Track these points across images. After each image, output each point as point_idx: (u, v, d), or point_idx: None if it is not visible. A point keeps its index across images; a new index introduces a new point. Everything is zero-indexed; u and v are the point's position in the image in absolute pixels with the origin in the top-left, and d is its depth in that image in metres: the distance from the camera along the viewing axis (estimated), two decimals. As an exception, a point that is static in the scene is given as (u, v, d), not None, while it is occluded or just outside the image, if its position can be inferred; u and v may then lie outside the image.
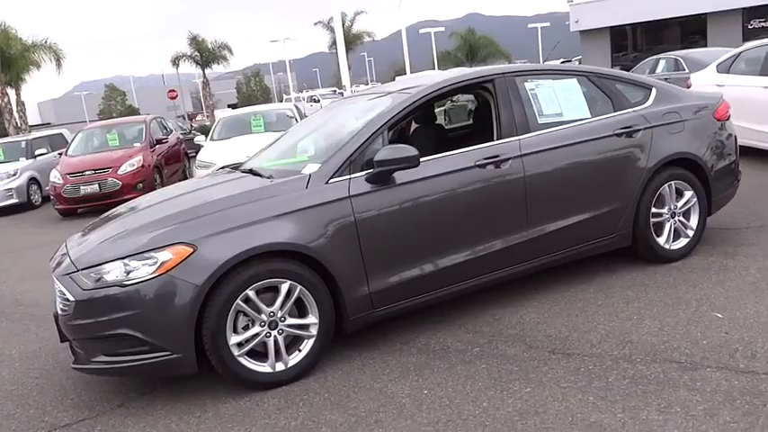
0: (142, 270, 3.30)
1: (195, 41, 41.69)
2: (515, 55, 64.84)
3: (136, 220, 3.72)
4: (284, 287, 3.48)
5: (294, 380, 3.57)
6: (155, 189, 11.77)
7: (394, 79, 45.91)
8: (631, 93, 4.78)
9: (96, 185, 11.31)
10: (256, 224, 3.46)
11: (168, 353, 3.33)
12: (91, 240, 3.72)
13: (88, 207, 11.43)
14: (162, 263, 3.29)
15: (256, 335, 3.47)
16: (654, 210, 4.65)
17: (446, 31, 62.92)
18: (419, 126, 5.34)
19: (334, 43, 56.90)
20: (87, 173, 11.43)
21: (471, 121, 5.53)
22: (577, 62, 35.16)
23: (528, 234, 4.17)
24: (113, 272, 3.34)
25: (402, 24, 38.39)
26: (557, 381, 3.25)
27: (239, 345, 3.43)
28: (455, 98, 5.94)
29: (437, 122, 5.60)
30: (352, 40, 50.16)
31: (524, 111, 4.27)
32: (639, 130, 4.56)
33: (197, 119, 46.63)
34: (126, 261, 3.34)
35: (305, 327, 3.59)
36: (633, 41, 33.02)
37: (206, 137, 11.99)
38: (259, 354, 3.52)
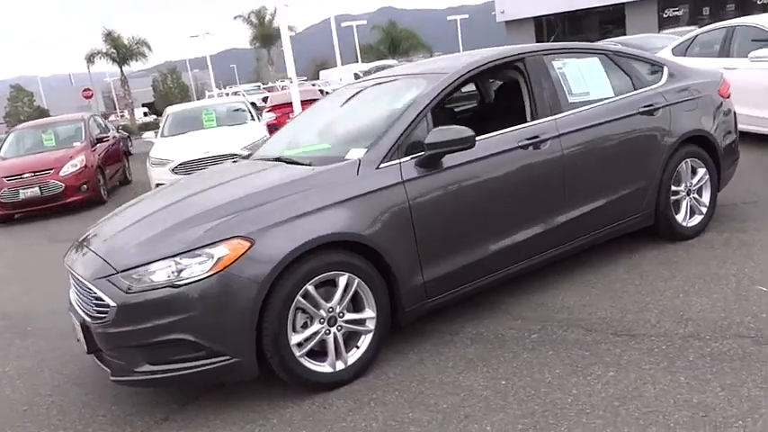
0: (196, 268, 2.99)
1: (111, 38, 39.85)
2: (436, 48, 65.51)
3: (173, 215, 3.38)
4: (342, 280, 3.24)
5: (354, 378, 3.34)
6: (99, 190, 11.12)
7: (317, 75, 45.37)
8: (647, 71, 4.79)
9: (37, 188, 10.48)
10: (312, 214, 3.20)
11: (227, 357, 3.04)
12: (123, 239, 3.36)
13: (27, 212, 10.60)
14: (218, 260, 2.99)
15: (315, 333, 3.22)
16: (672, 188, 4.68)
17: (368, 24, 62.94)
18: (451, 107, 5.16)
19: (255, 38, 55.82)
20: (26, 175, 10.59)
21: (495, 102, 5.33)
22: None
23: (566, 216, 4.10)
24: (161, 272, 3.02)
25: (331, 14, 37.92)
26: (636, 363, 3.17)
27: (299, 345, 3.18)
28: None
29: (470, 103, 5.44)
30: (274, 34, 49.24)
31: (555, 90, 4.19)
32: (660, 107, 4.57)
33: (110, 119, 44.51)
34: (177, 259, 3.02)
35: (362, 322, 3.36)
36: (558, 30, 33.94)
37: (155, 134, 11.37)
38: (316, 353, 3.27)
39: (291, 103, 13.58)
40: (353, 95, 4.59)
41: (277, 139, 4.65)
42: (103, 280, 3.12)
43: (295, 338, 3.15)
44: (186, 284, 2.97)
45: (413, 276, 3.47)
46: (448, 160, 3.60)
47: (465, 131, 3.47)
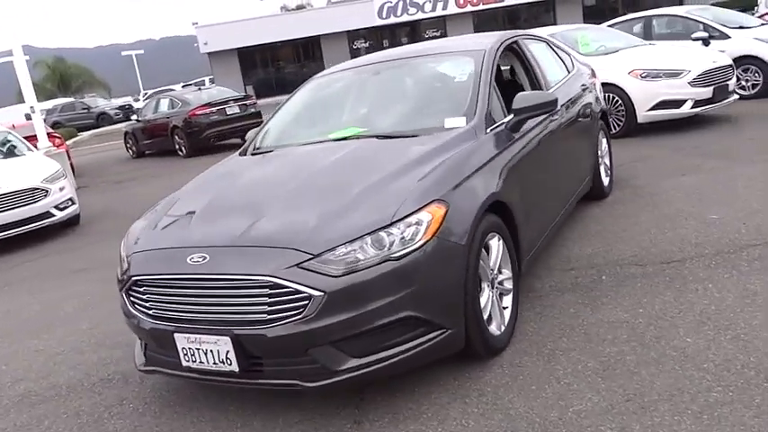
0: (409, 238, 2.72)
1: None
2: (115, 85, 61.72)
3: (327, 190, 3.07)
4: (494, 242, 3.25)
5: (509, 341, 3.35)
6: None
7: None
8: (566, 58, 5.60)
9: None
10: (472, 177, 3.15)
11: (443, 330, 2.82)
12: (278, 223, 2.87)
13: None
14: (427, 226, 2.78)
15: (487, 297, 3.17)
16: (599, 153, 5.55)
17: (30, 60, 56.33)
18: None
19: None
20: None
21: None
22: (209, 82, 35.46)
23: (569, 180, 4.63)
24: (368, 247, 2.67)
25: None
26: (722, 280, 3.75)
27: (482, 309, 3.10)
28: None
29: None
30: None
31: (542, 68, 4.70)
32: (587, 87, 5.41)
33: None
34: (388, 230, 2.71)
35: (503, 282, 3.40)
36: (261, 60, 34.90)
37: None
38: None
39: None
40: (369, 77, 4.46)
41: (288, 129, 4.30)
42: (295, 269, 2.63)
43: (482, 302, 3.07)
44: (404, 255, 2.69)
45: (527, 233, 3.62)
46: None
47: (549, 96, 3.75)
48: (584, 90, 5.26)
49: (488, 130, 3.54)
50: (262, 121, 15.76)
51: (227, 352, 2.74)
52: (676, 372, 2.86)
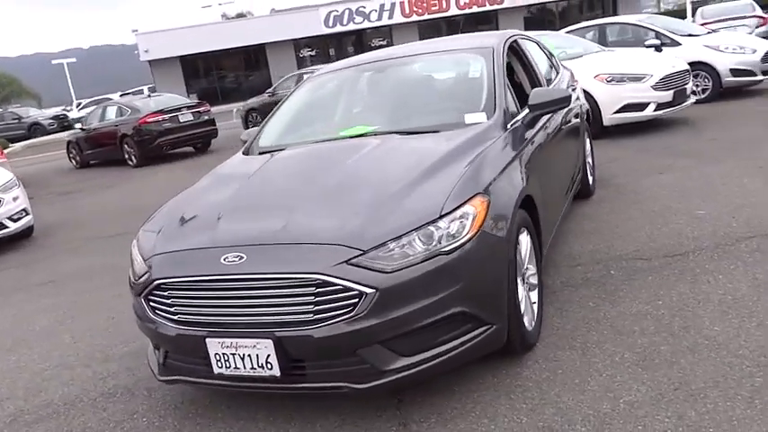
0: (456, 232, 2.65)
1: None
2: (45, 94, 59.45)
3: (361, 186, 2.97)
4: (523, 236, 3.22)
5: (538, 335, 3.31)
6: None
7: None
8: (554, 60, 5.67)
9: None
10: (504, 171, 3.11)
11: (488, 326, 2.76)
12: (322, 219, 2.75)
13: None
14: (473, 219, 2.72)
15: (521, 291, 3.12)
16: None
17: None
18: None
19: None
20: None
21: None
22: (148, 90, 34.49)
23: (567, 177, 4.67)
24: (417, 242, 2.59)
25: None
26: (730, 271, 3.83)
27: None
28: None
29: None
30: None
31: (539, 67, 4.73)
32: (574, 87, 5.49)
33: None
34: (436, 224, 2.63)
35: (529, 277, 3.37)
36: (205, 68, 34.25)
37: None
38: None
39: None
40: (377, 75, 4.37)
41: (294, 128, 4.17)
42: (344, 265, 2.51)
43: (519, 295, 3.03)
44: (454, 250, 2.62)
45: (545, 229, 3.61)
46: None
47: (564, 92, 3.77)
48: (572, 90, 5.32)
49: (509, 126, 3.52)
50: (216, 129, 15.63)
51: (268, 356, 2.60)
52: (714, 359, 2.89)
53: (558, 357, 3.12)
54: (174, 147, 14.76)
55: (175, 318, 2.80)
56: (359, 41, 34.08)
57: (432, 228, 2.62)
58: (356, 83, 4.44)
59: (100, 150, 15.83)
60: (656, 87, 8.42)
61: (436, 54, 4.40)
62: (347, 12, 32.37)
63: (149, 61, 32.34)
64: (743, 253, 4.06)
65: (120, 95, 35.98)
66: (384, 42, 33.78)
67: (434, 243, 2.60)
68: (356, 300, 2.50)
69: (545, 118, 3.96)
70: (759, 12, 17.61)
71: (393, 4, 32.59)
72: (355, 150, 3.38)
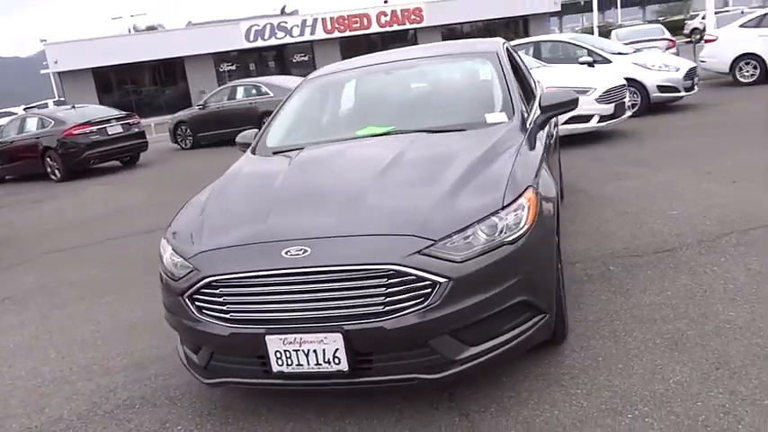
0: (516, 223, 2.71)
1: None
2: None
3: (414, 177, 3.01)
4: (554, 229, 3.34)
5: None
6: None
7: None
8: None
9: None
10: (540, 168, 3.21)
11: (543, 315, 2.83)
12: (390, 209, 2.76)
13: None
14: (528, 211, 2.79)
15: (558, 282, 3.23)
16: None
17: None
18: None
19: None
20: None
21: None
22: (53, 104, 32.76)
23: (559, 176, 4.86)
24: (480, 234, 2.63)
25: None
26: (723, 264, 4.10)
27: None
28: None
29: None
30: None
31: (528, 73, 4.91)
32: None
33: None
34: (499, 215, 2.68)
35: (557, 271, 3.48)
36: (118, 81, 33.02)
37: None
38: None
39: None
40: (385, 77, 4.38)
41: (304, 129, 4.13)
42: (417, 255, 2.52)
43: (555, 285, 3.12)
44: (515, 240, 2.68)
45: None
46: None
47: (573, 94, 3.92)
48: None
49: (528, 125, 3.64)
50: (146, 142, 15.09)
51: (336, 350, 2.55)
52: (742, 341, 3.08)
53: (593, 346, 3.23)
54: (102, 160, 14.14)
55: (227, 316, 2.70)
56: (280, 57, 33.90)
57: (495, 218, 2.68)
58: (363, 85, 4.45)
59: (17, 164, 14.92)
60: (599, 100, 8.89)
61: (442, 57, 4.48)
62: (269, 26, 32.16)
63: (59, 73, 30.83)
64: (727, 247, 4.36)
65: (24, 109, 33.96)
66: (306, 58, 33.78)
67: (497, 234, 2.66)
68: (428, 290, 2.51)
69: (553, 121, 4.11)
70: (668, 35, 18.94)
71: (315, 21, 32.67)
72: (393, 146, 3.39)
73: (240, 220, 2.99)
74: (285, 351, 2.61)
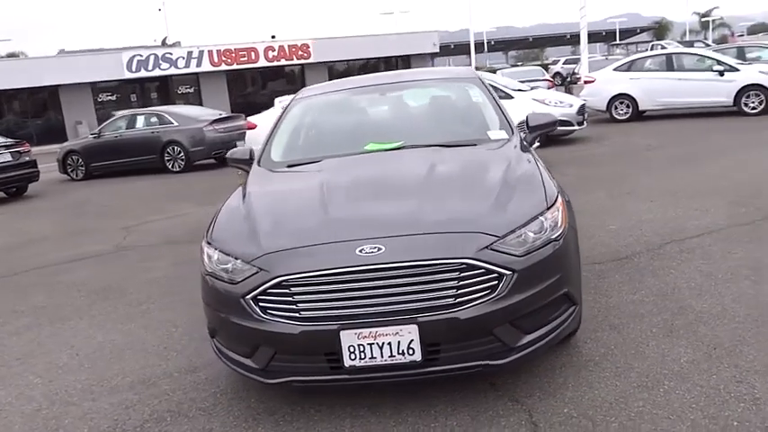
0: (555, 223, 3.04)
1: None
2: None
3: (454, 185, 3.31)
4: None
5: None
6: None
7: None
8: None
9: None
10: (546, 179, 3.56)
11: (576, 306, 3.15)
12: (451, 210, 3.01)
13: None
14: (562, 212, 3.13)
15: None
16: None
17: None
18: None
19: None
20: None
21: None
22: None
23: None
24: (530, 232, 2.93)
25: None
26: (678, 266, 4.70)
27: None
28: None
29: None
30: None
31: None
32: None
33: None
34: (544, 216, 3.00)
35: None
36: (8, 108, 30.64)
37: None
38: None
39: None
40: (381, 98, 4.60)
41: (308, 145, 4.26)
42: (486, 250, 2.76)
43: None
44: (559, 237, 3.00)
45: None
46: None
47: (553, 116, 4.37)
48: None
49: (524, 142, 4.02)
50: (38, 172, 14.16)
51: (411, 341, 2.72)
52: (724, 325, 3.58)
53: (600, 338, 3.60)
54: (-12, 190, 13.08)
55: (299, 315, 2.79)
56: (164, 88, 32.94)
57: (541, 219, 2.99)
58: (360, 104, 4.65)
59: None
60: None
61: (430, 81, 4.79)
62: (153, 57, 31.22)
63: None
64: (672, 253, 4.95)
65: None
66: (191, 90, 33.08)
67: (543, 232, 2.97)
68: (495, 282, 2.76)
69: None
70: (548, 76, 20.68)
71: (201, 53, 32.16)
72: (421, 156, 3.66)
73: (298, 222, 3.10)
74: (359, 345, 2.73)
